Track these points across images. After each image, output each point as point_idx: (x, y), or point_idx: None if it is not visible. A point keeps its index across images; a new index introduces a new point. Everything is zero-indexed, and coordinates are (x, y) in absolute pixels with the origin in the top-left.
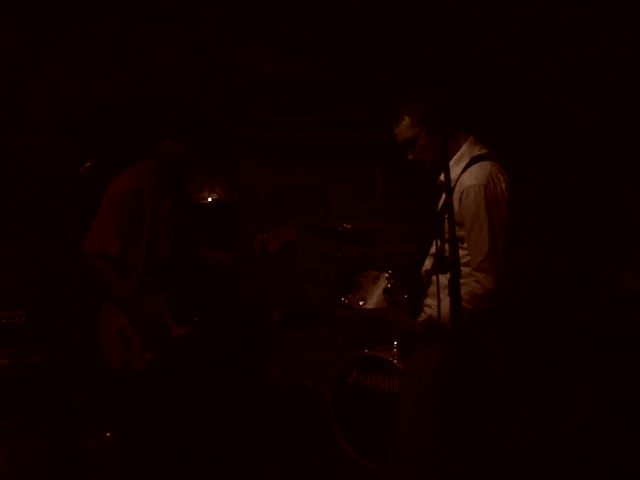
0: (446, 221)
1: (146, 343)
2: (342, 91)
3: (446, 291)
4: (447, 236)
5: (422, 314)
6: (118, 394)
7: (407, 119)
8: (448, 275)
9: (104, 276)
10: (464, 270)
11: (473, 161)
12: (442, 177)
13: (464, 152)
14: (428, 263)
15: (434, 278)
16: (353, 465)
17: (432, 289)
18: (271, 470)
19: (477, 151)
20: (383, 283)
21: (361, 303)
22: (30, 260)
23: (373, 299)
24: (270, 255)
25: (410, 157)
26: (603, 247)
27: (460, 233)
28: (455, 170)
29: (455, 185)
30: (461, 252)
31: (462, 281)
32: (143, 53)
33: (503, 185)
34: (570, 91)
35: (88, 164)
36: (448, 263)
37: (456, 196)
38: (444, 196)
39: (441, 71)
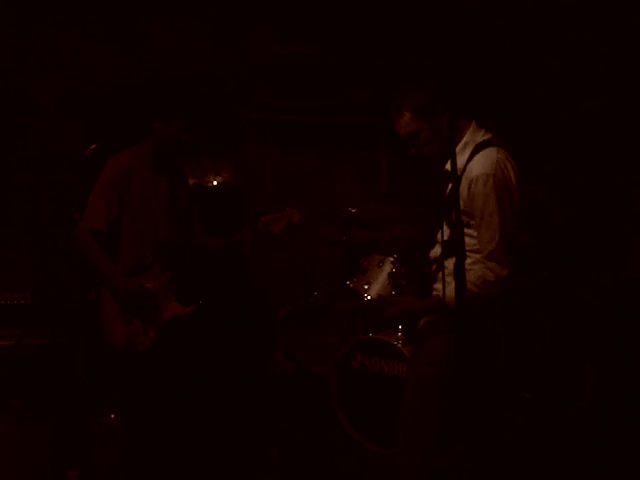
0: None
1: (149, 322)
2: (347, 74)
3: (452, 276)
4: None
5: None
6: (123, 374)
7: (407, 114)
8: (454, 260)
9: (87, 250)
10: (473, 256)
11: (479, 148)
12: (448, 166)
13: (468, 139)
14: (437, 249)
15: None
16: (357, 448)
17: (441, 274)
18: (274, 453)
19: (481, 136)
20: (388, 267)
21: (366, 287)
22: (36, 242)
23: (378, 283)
24: (274, 237)
25: (413, 151)
26: (608, 232)
27: (469, 222)
28: (461, 158)
29: (462, 173)
30: (470, 240)
31: (471, 267)
32: (149, 37)
33: (511, 172)
34: (578, 75)
35: (93, 146)
36: (454, 248)
37: (464, 184)
38: (451, 184)
39: (448, 54)
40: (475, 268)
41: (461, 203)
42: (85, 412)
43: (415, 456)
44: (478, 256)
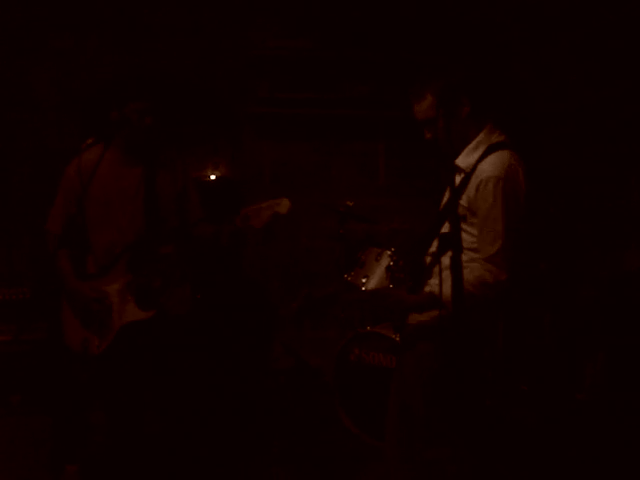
0: (458, 205)
1: (105, 326)
2: (346, 68)
3: (448, 271)
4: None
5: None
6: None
7: (430, 98)
8: (450, 255)
9: (48, 253)
10: (470, 254)
11: (491, 149)
12: (459, 161)
13: (482, 138)
14: (435, 244)
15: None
16: (356, 442)
17: (437, 269)
18: (274, 446)
19: (495, 138)
20: (386, 261)
21: (364, 280)
22: (34, 237)
23: (376, 277)
24: (254, 232)
25: (428, 136)
26: (607, 225)
27: (472, 220)
28: (472, 157)
29: (472, 172)
30: (468, 237)
31: (468, 264)
32: (145, 31)
33: (521, 177)
34: (576, 68)
35: (89, 141)
36: (450, 242)
37: (472, 184)
38: (457, 180)
39: (446, 49)
40: (472, 266)
41: (466, 200)
42: (84, 406)
43: (404, 450)
44: (475, 255)
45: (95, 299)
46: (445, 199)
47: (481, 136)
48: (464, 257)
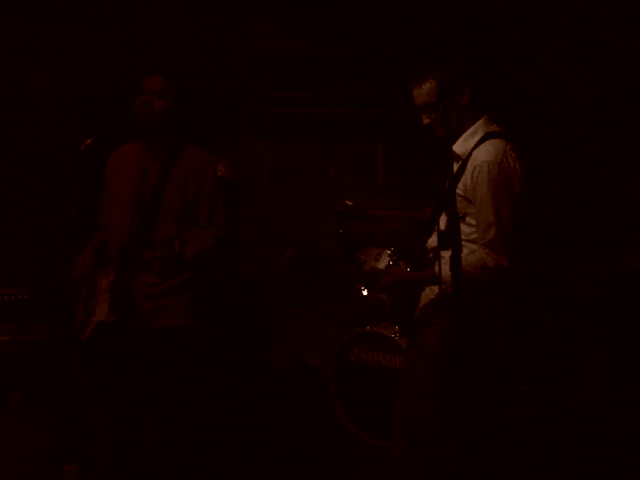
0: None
1: (91, 316)
2: (344, 67)
3: (448, 265)
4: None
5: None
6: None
7: (433, 83)
8: (450, 251)
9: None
10: (470, 246)
11: (487, 137)
12: (456, 148)
13: (479, 127)
14: (435, 238)
15: (440, 253)
16: (355, 441)
17: (436, 263)
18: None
19: (493, 128)
20: (385, 260)
21: None
22: (33, 237)
23: None
24: (186, 262)
25: (426, 121)
26: (606, 225)
27: (469, 210)
28: (468, 143)
29: (467, 159)
30: (468, 229)
31: (468, 252)
32: (144, 30)
33: (517, 164)
34: (574, 67)
35: (89, 140)
36: (449, 239)
37: (468, 170)
38: (454, 170)
39: (445, 47)
40: (475, 251)
41: (462, 188)
42: (83, 407)
43: (411, 448)
44: (474, 246)
45: (94, 289)
46: (444, 188)
47: (479, 123)
48: (463, 250)
